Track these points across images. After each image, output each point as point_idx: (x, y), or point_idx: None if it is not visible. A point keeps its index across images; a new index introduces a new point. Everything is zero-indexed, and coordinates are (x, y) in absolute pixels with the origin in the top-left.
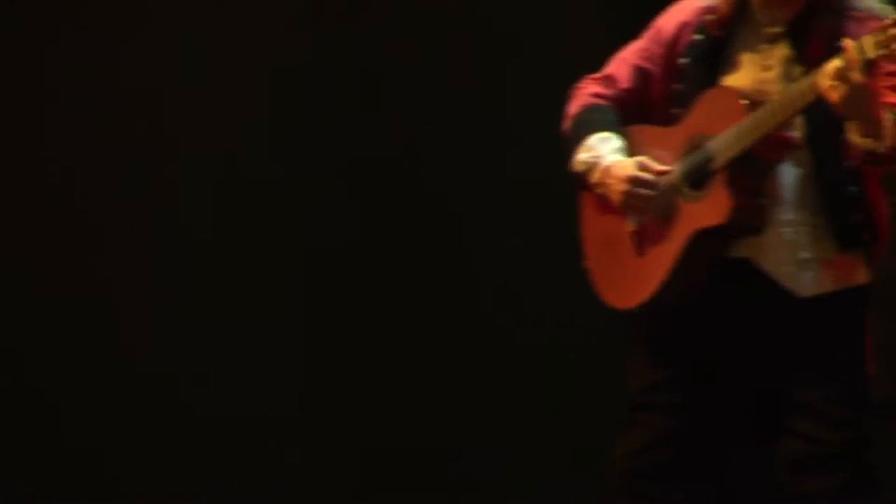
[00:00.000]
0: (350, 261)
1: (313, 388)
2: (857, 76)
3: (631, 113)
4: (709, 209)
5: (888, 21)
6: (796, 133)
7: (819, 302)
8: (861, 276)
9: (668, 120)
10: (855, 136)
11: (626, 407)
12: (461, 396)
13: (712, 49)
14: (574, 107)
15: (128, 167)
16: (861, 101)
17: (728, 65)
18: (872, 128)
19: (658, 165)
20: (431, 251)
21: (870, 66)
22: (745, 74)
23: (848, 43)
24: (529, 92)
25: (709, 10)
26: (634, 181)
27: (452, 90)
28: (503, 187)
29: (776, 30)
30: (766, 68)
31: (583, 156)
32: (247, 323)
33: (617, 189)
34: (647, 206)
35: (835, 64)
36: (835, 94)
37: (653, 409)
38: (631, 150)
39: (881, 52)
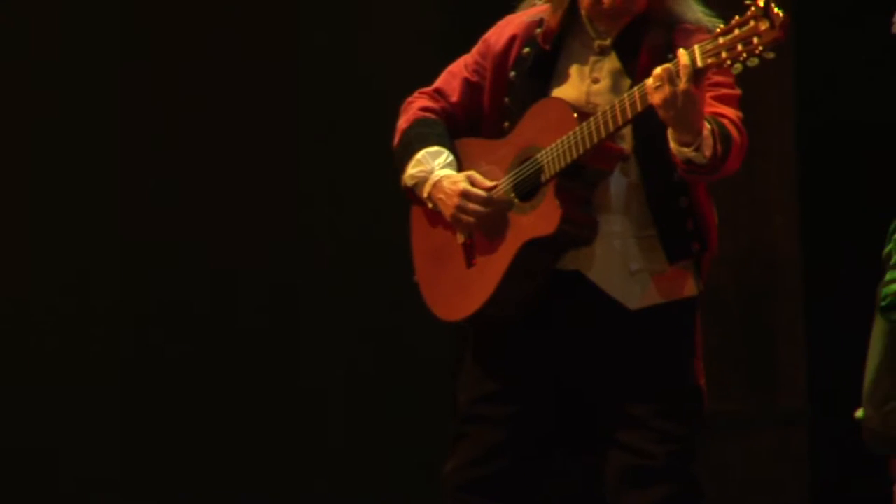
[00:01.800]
0: None
1: None
2: (683, 83)
3: (461, 126)
4: (539, 220)
5: (717, 31)
6: (625, 144)
7: (648, 314)
8: (691, 287)
9: (499, 133)
10: (675, 145)
11: (455, 420)
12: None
13: (541, 62)
14: (404, 121)
15: None
16: (685, 108)
17: (557, 77)
18: (693, 138)
19: (488, 181)
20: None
21: (698, 74)
22: (574, 86)
23: (680, 51)
24: (360, 101)
25: (538, 23)
26: (465, 195)
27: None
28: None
29: (605, 42)
30: (595, 80)
31: (412, 170)
32: None
33: (448, 203)
34: (478, 220)
35: (664, 67)
36: (658, 97)
37: (481, 421)
38: (461, 164)
39: (710, 60)
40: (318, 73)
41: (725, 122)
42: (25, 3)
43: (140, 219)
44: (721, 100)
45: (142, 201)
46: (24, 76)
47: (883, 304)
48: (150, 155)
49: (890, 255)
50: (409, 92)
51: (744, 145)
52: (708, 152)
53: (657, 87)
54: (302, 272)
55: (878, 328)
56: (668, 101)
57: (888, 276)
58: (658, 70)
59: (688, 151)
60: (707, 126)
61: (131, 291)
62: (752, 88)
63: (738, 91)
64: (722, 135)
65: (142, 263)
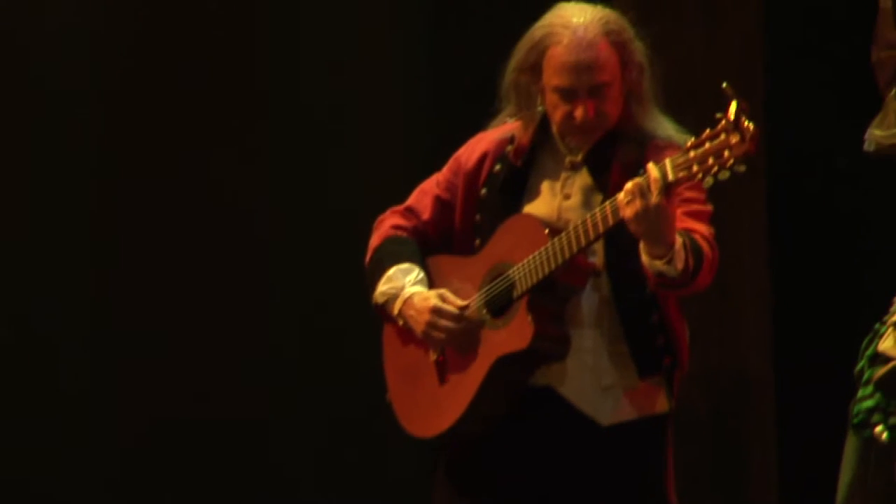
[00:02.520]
0: None
1: None
2: (654, 197)
3: (433, 243)
4: (511, 336)
5: (689, 144)
6: (597, 260)
7: (620, 430)
8: (662, 403)
9: (471, 250)
10: (647, 258)
11: None
12: None
13: (512, 178)
14: (376, 239)
15: None
16: (656, 221)
17: (529, 193)
18: (665, 251)
19: (460, 300)
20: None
21: (669, 188)
22: (546, 202)
23: (650, 165)
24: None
25: (509, 140)
26: (437, 312)
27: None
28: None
29: (576, 158)
30: (567, 196)
31: (383, 287)
32: None
33: (419, 320)
34: (449, 337)
35: (635, 181)
36: (630, 211)
37: None
38: (433, 281)
39: (682, 174)
40: (286, 191)
41: (697, 237)
42: None
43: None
44: (693, 215)
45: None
46: None
47: (855, 420)
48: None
49: (862, 371)
50: (379, 209)
51: (715, 261)
52: (680, 265)
53: (628, 202)
54: (272, 390)
55: (851, 445)
56: (640, 216)
57: (860, 394)
58: (629, 185)
59: (659, 264)
60: (679, 239)
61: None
62: (723, 204)
63: (709, 207)
64: (693, 249)
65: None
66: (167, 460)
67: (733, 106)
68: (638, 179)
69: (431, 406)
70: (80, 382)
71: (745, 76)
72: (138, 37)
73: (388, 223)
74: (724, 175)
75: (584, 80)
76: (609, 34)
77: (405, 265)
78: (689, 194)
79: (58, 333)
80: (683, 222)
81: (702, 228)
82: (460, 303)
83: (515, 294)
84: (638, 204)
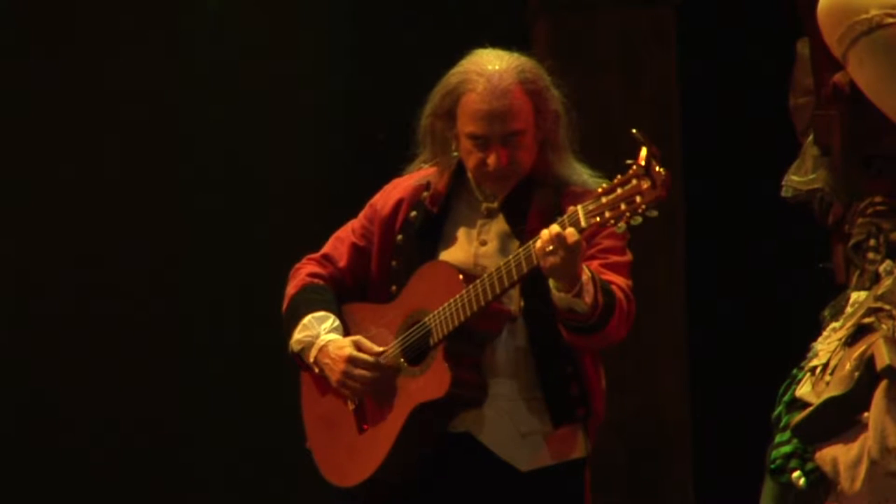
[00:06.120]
0: None
1: None
2: (570, 244)
3: (350, 291)
4: (428, 384)
5: (600, 190)
6: (512, 306)
7: (539, 475)
8: (580, 449)
9: (387, 297)
10: (555, 293)
11: None
12: None
13: (428, 225)
14: (292, 287)
15: None
16: (571, 267)
17: (444, 240)
18: (572, 284)
19: (376, 346)
20: None
21: (582, 233)
22: (462, 249)
23: (568, 211)
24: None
25: (425, 186)
26: (352, 361)
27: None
28: None
29: (493, 205)
30: (483, 243)
31: (299, 335)
32: None
33: (334, 369)
34: (365, 385)
35: (551, 231)
36: (547, 262)
37: None
38: (349, 328)
39: (594, 220)
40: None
41: (613, 287)
42: None
43: None
44: (611, 267)
45: None
46: None
47: (772, 466)
48: None
49: (779, 417)
50: (295, 257)
51: (631, 313)
52: (588, 299)
53: (546, 254)
54: (189, 439)
55: (768, 491)
56: (558, 266)
57: (778, 439)
58: (545, 234)
59: (567, 297)
60: (586, 273)
61: None
62: (640, 250)
63: (627, 257)
64: (605, 290)
65: None
66: None
67: (644, 152)
68: (555, 227)
69: (350, 455)
70: None
71: (663, 124)
72: None
73: (305, 271)
74: (637, 220)
75: (496, 128)
76: (524, 82)
77: (320, 313)
78: (607, 243)
79: None
80: (602, 274)
81: (619, 280)
82: (377, 349)
83: (432, 341)
84: (555, 254)
